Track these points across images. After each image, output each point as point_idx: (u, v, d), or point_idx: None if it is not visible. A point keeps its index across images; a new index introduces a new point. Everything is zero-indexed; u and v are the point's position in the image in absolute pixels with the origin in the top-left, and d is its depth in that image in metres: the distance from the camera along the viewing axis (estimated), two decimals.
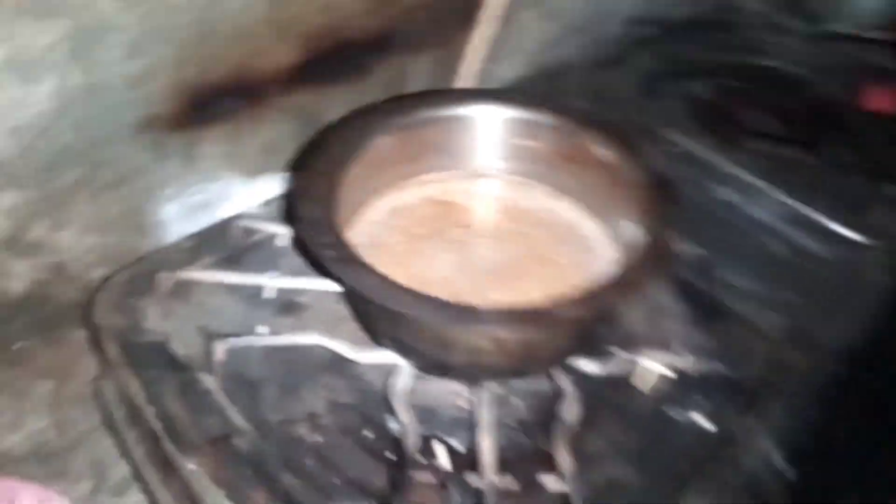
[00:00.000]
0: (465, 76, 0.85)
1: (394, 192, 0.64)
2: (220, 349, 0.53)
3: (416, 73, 0.80)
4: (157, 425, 0.50)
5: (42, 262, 0.62)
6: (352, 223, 0.59)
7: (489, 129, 0.64)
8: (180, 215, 0.68)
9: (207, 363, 0.53)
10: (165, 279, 0.59)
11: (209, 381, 0.53)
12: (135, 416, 0.56)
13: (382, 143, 0.60)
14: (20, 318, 0.64)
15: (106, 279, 0.61)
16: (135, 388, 0.52)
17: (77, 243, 0.64)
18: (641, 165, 0.57)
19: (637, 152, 0.58)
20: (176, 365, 0.54)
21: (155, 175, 0.65)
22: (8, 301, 0.62)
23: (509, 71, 0.89)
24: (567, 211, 0.64)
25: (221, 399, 0.52)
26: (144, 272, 0.60)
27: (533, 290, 0.56)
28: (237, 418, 0.51)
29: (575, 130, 0.61)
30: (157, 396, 0.52)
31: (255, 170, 0.72)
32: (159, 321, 0.57)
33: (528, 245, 0.61)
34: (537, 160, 0.65)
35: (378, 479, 0.48)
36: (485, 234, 0.62)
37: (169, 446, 0.49)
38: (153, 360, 0.54)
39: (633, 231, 0.55)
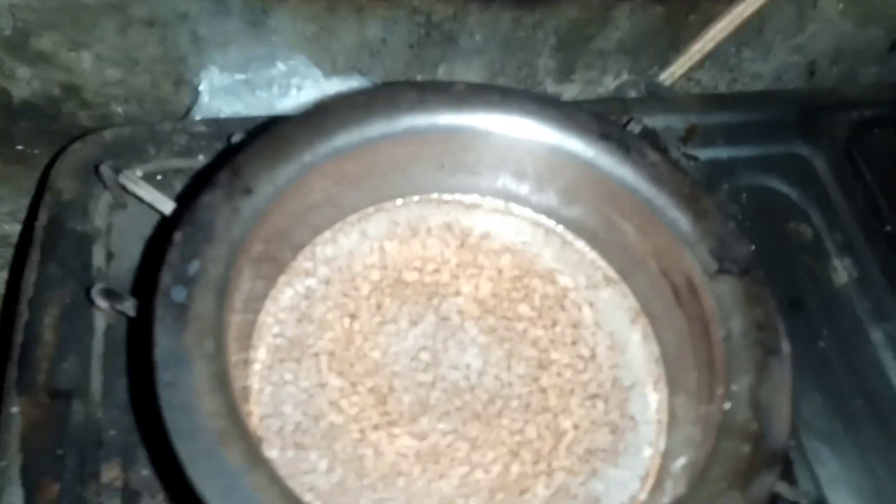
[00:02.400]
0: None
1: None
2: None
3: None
4: None
5: (51, 76, 0.53)
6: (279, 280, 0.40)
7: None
8: (226, 89, 0.55)
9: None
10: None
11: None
12: None
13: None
14: (23, 122, 0.56)
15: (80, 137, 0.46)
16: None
17: (98, 71, 0.54)
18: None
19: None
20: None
21: (205, 28, 0.52)
22: (10, 102, 0.54)
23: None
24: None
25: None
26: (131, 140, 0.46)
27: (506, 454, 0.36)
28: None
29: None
30: None
31: (338, 69, 0.58)
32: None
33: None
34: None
35: None
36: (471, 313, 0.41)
37: None
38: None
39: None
